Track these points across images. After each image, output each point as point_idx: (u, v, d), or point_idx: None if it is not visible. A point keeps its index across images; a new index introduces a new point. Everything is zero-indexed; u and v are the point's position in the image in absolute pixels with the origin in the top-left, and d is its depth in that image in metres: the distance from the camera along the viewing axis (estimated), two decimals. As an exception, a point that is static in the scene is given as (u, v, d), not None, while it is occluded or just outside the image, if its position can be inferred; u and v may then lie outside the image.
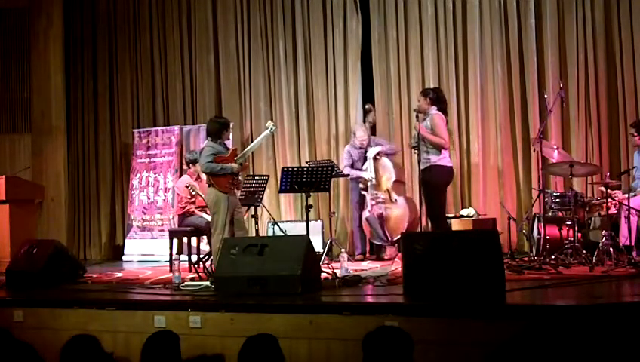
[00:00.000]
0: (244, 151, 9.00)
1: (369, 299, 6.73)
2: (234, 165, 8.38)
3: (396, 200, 10.02)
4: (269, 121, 9.38)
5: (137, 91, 12.98)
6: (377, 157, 10.17)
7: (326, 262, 8.97)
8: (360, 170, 10.32)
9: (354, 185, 10.54)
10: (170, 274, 8.48)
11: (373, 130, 10.51)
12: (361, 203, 10.38)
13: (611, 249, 7.87)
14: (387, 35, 11.37)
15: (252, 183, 9.74)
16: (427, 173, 8.49)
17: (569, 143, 10.29)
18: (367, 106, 10.45)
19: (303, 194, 8.99)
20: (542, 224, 8.58)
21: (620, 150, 10.08)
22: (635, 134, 8.75)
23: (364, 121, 10.41)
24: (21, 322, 7.20)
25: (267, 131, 9.00)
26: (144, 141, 12.40)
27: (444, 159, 8.55)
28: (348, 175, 10.48)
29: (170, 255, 9.64)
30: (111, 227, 13.01)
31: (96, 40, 13.26)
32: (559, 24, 10.42)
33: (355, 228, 10.52)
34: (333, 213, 10.76)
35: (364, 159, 10.28)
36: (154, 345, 4.56)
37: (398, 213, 10.00)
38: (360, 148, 10.40)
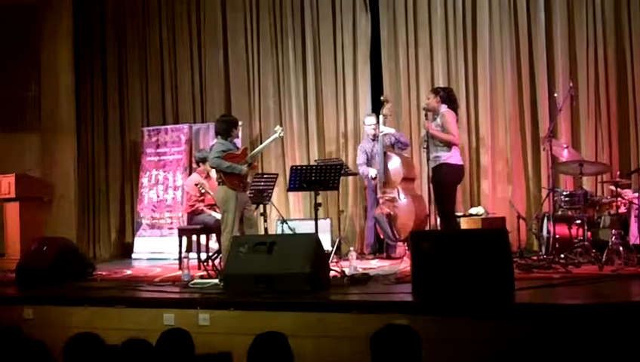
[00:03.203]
0: (252, 152, 9.02)
1: (377, 298, 6.71)
2: (242, 167, 8.36)
3: (405, 198, 10.00)
4: (278, 126, 9.43)
5: (147, 89, 13.02)
6: (389, 153, 10.14)
7: (335, 260, 8.97)
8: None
9: (370, 184, 10.53)
10: (180, 272, 8.51)
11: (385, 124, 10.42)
12: (375, 201, 10.36)
13: (621, 248, 7.83)
14: (396, 34, 11.37)
15: (261, 181, 9.75)
16: (437, 172, 8.45)
17: (579, 142, 10.26)
18: (382, 97, 10.38)
19: (312, 192, 9.00)
20: (551, 223, 8.56)
21: (630, 149, 10.04)
22: (645, 133, 8.74)
23: (378, 114, 10.36)
24: (31, 319, 7.24)
25: (276, 135, 9.01)
26: (153, 139, 12.43)
27: (453, 157, 8.49)
28: (357, 173, 10.46)
29: (180, 253, 9.69)
30: (120, 225, 13.06)
31: (106, 38, 13.31)
32: (569, 22, 10.39)
33: (369, 227, 10.52)
34: (342, 211, 10.76)
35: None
36: (167, 343, 4.57)
37: (405, 211, 9.98)
38: (373, 139, 10.40)
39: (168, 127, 12.51)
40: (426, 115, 8.71)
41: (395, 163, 10.11)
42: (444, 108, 8.61)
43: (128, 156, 13.11)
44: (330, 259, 8.83)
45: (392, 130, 10.29)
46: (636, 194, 8.20)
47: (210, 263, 8.99)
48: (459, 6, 10.97)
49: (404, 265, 8.38)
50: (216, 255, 9.08)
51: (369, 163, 10.40)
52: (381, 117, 10.19)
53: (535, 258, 8.58)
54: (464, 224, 9.74)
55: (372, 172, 10.21)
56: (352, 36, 11.62)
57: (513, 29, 10.66)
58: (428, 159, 8.55)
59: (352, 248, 8.64)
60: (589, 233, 8.32)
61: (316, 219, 8.64)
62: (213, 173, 9.15)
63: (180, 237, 9.95)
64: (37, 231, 10.52)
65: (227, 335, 6.36)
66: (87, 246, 12.84)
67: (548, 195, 8.95)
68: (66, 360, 4.51)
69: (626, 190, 8.74)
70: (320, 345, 6.07)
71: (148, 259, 11.69)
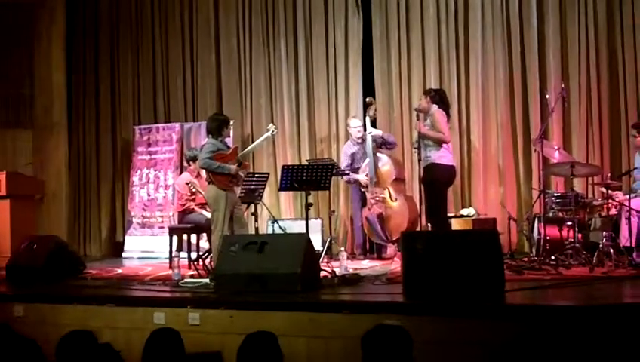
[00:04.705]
0: (244, 151, 9.01)
1: (368, 298, 6.70)
2: (232, 167, 8.37)
3: (396, 199, 9.98)
4: (271, 124, 9.43)
5: (139, 88, 13.00)
6: (378, 154, 10.12)
7: (325, 260, 8.96)
8: (358, 169, 10.28)
9: (354, 185, 10.50)
10: (170, 271, 8.47)
11: (374, 125, 10.39)
12: (362, 200, 10.35)
13: (611, 250, 7.84)
14: (389, 35, 11.35)
15: (252, 181, 9.72)
16: (427, 172, 8.47)
17: (570, 144, 10.26)
18: (367, 99, 10.32)
19: (303, 192, 8.98)
20: (542, 224, 8.55)
21: (621, 151, 10.05)
22: (637, 135, 8.71)
23: (364, 115, 10.36)
24: (21, 317, 7.21)
25: (268, 133, 9.05)
26: (145, 138, 12.40)
27: (445, 158, 8.52)
28: (348, 173, 10.43)
29: (170, 252, 9.66)
30: (111, 223, 13.03)
31: (99, 37, 13.27)
32: (561, 24, 10.39)
33: (357, 226, 10.50)
34: (333, 211, 10.73)
35: (365, 154, 10.23)
36: (157, 342, 4.55)
37: (398, 212, 9.95)
38: (358, 142, 10.38)
39: (160, 125, 12.49)
40: (417, 116, 8.74)
41: (386, 163, 10.08)
42: (434, 108, 8.64)
43: (119, 154, 13.07)
44: (321, 259, 8.81)
45: (380, 132, 10.28)
46: (627, 197, 8.20)
47: (201, 262, 8.97)
48: (451, 7, 10.96)
49: (395, 265, 8.37)
50: (206, 254, 9.05)
51: (353, 166, 10.38)
52: (367, 118, 10.18)
53: (526, 259, 8.57)
54: (455, 225, 9.74)
55: (361, 177, 10.18)
56: (344, 36, 11.60)
57: (505, 30, 10.64)
58: (419, 160, 8.57)
59: (342, 248, 8.63)
60: (579, 235, 8.31)
61: (307, 219, 8.61)
62: (204, 173, 9.13)
63: (171, 236, 9.93)
64: (28, 229, 10.48)
65: (217, 335, 6.34)
66: (78, 245, 12.80)
67: (539, 197, 8.95)
68: (59, 357, 4.49)
69: (616, 192, 8.73)
70: (311, 345, 6.05)
71: (138, 258, 11.66)
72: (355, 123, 10.48)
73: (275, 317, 6.21)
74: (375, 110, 10.34)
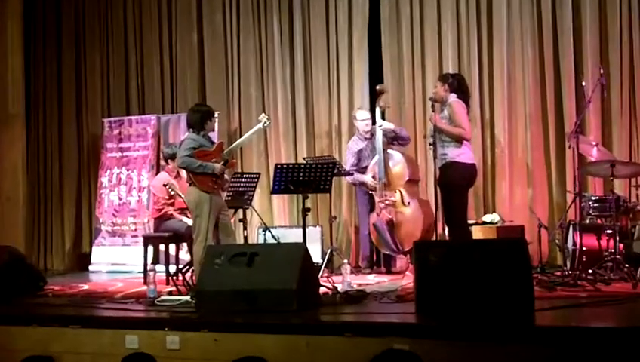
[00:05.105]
0: (231, 146, 9.01)
1: (375, 318, 6.70)
2: (216, 165, 8.38)
3: (409, 203, 9.99)
4: (263, 114, 9.42)
5: (108, 74, 13.02)
6: (389, 151, 10.12)
7: (326, 274, 8.98)
8: (365, 169, 10.29)
9: (360, 187, 10.51)
10: (145, 288, 8.48)
11: (384, 117, 10.38)
12: (369, 204, 10.35)
13: (658, 262, 7.87)
14: (399, 12, 11.35)
15: (240, 182, 9.73)
16: (444, 172, 8.47)
17: (610, 139, 10.26)
18: (378, 87, 10.36)
19: (300, 195, 8.99)
20: (578, 233, 8.57)
21: (669, 147, 10.09)
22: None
23: (373, 106, 10.35)
24: (-31, 342, 7.22)
25: (259, 125, 9.04)
26: (115, 132, 12.41)
27: (464, 155, 8.51)
28: (352, 173, 10.43)
29: (145, 265, 9.66)
30: (76, 232, 13.03)
31: (61, 16, 13.29)
32: (600, -1, 10.41)
33: (363, 235, 10.50)
34: (335, 217, 10.73)
35: (374, 151, 10.23)
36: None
37: (411, 218, 9.96)
38: (366, 137, 10.38)
39: (133, 117, 12.49)
40: (432, 107, 8.72)
41: (398, 161, 10.09)
42: (452, 97, 8.62)
43: (86, 151, 13.08)
44: (321, 273, 8.83)
45: (391, 126, 10.28)
46: (676, 200, 8.22)
47: (181, 277, 8.98)
48: (472, -22, 10.99)
49: (407, 280, 8.39)
50: (187, 267, 9.06)
51: (359, 165, 10.37)
52: (377, 109, 10.18)
53: (559, 273, 8.58)
54: (477, 233, 9.76)
55: (367, 178, 10.18)
56: (348, 14, 11.61)
57: (535, 6, 10.64)
58: (435, 157, 8.56)
59: (345, 261, 8.63)
60: (621, 245, 8.31)
61: (304, 227, 8.61)
62: (184, 173, 9.15)
63: (146, 246, 9.94)
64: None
65: (200, 361, 6.35)
66: (37, 257, 12.83)
67: (574, 201, 8.95)
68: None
69: (664, 195, 8.76)
70: (307, 373, 6.07)
71: (108, 272, 11.69)
72: (363, 115, 10.48)
73: (266, 341, 6.22)
74: (387, 99, 10.34)
